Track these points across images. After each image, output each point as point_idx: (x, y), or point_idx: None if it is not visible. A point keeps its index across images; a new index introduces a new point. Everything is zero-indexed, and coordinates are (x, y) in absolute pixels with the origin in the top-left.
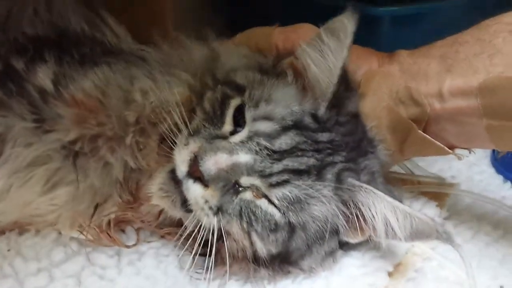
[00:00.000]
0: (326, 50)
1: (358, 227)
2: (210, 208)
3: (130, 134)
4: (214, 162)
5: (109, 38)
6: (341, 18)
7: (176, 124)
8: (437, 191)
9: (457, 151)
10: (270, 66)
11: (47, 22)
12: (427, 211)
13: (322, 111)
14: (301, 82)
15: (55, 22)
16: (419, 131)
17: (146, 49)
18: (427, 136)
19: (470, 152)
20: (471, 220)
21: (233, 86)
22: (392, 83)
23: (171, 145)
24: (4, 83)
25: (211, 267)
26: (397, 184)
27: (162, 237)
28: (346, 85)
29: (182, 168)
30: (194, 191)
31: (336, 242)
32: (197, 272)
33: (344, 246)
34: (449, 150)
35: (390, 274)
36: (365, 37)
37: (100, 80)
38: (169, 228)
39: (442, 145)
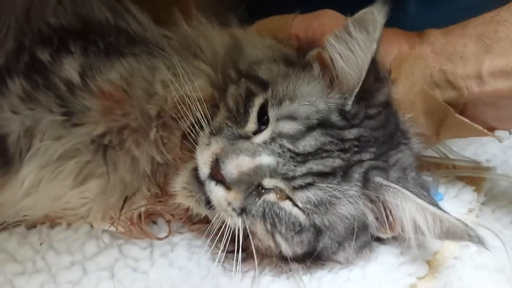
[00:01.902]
0: (354, 45)
1: (387, 224)
2: (234, 209)
3: (154, 128)
4: (235, 166)
5: (133, 26)
6: (371, 9)
7: (198, 121)
8: (473, 175)
9: (497, 132)
10: (296, 58)
11: (71, 11)
12: (464, 196)
13: (349, 106)
14: (328, 74)
15: (79, 11)
16: (457, 114)
17: (168, 34)
18: (465, 119)
19: (510, 133)
20: (509, 205)
21: (257, 82)
22: (425, 66)
23: (193, 142)
24: (30, 76)
25: (240, 262)
26: (432, 168)
27: (192, 231)
28: (376, 75)
29: (204, 170)
30: (217, 193)
31: (369, 235)
32: (229, 264)
33: (379, 239)
34: (489, 132)
35: (429, 262)
36: (391, 16)
37: (126, 71)
38: (198, 225)
39: (481, 128)
